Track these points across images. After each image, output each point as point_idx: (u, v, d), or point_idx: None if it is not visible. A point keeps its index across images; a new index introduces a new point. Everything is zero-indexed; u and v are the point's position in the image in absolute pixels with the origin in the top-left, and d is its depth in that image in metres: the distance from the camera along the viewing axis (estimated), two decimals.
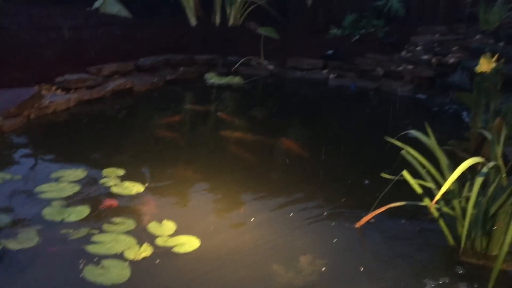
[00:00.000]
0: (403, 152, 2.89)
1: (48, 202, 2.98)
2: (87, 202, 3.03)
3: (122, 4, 7.81)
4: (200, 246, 2.63)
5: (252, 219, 2.97)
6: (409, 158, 2.87)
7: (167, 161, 3.80)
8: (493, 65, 3.56)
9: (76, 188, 3.19)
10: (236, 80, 6.41)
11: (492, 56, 3.59)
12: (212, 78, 6.40)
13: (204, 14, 7.86)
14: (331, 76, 6.70)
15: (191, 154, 4.05)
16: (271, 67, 6.94)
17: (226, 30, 7.63)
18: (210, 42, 7.21)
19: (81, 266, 2.39)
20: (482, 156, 2.95)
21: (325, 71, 6.80)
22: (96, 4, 7.77)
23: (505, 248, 2.43)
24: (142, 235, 2.70)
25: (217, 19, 7.80)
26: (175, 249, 2.60)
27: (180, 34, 7.24)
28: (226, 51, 7.07)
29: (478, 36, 6.57)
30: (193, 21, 7.74)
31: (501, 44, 6.06)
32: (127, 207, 3.02)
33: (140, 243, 2.61)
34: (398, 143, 2.83)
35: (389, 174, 2.81)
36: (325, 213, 3.08)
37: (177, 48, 6.81)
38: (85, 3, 7.98)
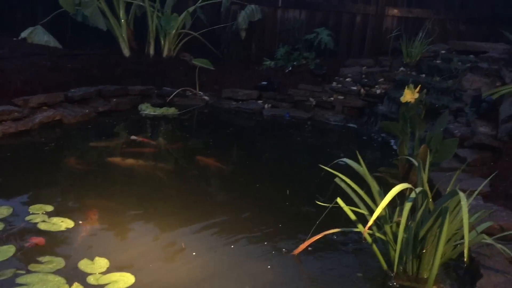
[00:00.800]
0: (336, 179, 2.97)
1: None
2: (12, 241, 2.84)
3: (51, 34, 7.61)
4: (135, 283, 2.54)
5: (188, 250, 2.92)
6: (342, 185, 2.95)
7: (97, 194, 3.66)
8: (417, 95, 3.79)
9: (0, 226, 2.99)
10: (171, 111, 6.37)
11: (415, 87, 3.82)
12: (147, 109, 6.31)
13: (137, 45, 7.80)
14: (266, 106, 6.82)
15: (123, 186, 3.94)
16: (206, 97, 6.97)
17: (161, 61, 7.61)
18: (144, 73, 7.14)
19: None
20: (410, 182, 3.10)
21: (260, 102, 6.92)
22: (23, 34, 7.52)
23: (435, 271, 2.54)
24: (72, 274, 2.56)
25: (151, 50, 7.76)
26: (108, 287, 2.49)
27: (113, 65, 7.11)
28: (160, 82, 7.03)
29: (401, 69, 6.97)
30: (126, 52, 7.65)
31: (423, 75, 6.47)
32: (55, 244, 2.87)
33: (70, 283, 2.48)
34: (332, 171, 2.90)
35: (325, 201, 2.87)
36: (264, 242, 3.08)
37: (110, 79, 6.68)
38: (10, 33, 7.71)
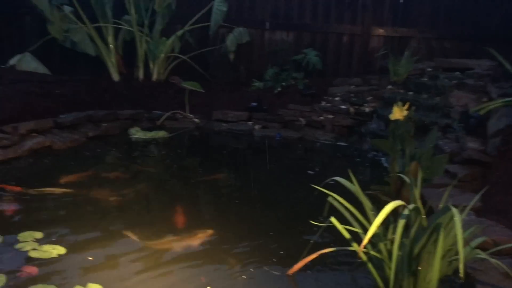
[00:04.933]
0: (329, 198, 2.98)
1: None
2: (2, 270, 2.79)
3: (39, 61, 7.61)
4: None
5: (182, 273, 2.89)
6: (335, 204, 2.95)
7: (88, 220, 3.63)
8: (405, 112, 3.82)
9: None
10: (161, 134, 6.36)
11: (404, 105, 3.86)
12: (137, 133, 6.31)
13: (126, 69, 7.83)
14: (256, 127, 6.84)
15: (115, 210, 3.90)
16: (197, 120, 6.98)
17: (150, 84, 7.64)
18: (134, 97, 7.16)
19: None
20: (402, 199, 3.10)
21: (250, 123, 6.95)
22: (12, 61, 7.53)
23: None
24: None
25: (140, 74, 7.79)
26: None
27: (102, 90, 7.13)
28: (150, 105, 7.04)
29: (389, 87, 7.06)
30: (115, 76, 7.67)
31: (411, 93, 6.55)
32: (48, 272, 2.82)
33: None
34: (325, 190, 2.91)
35: (319, 220, 2.86)
36: (255, 263, 3.06)
37: (100, 104, 6.68)
38: None
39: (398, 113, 3.82)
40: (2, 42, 8.51)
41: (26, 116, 5.62)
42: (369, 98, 6.99)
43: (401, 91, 6.81)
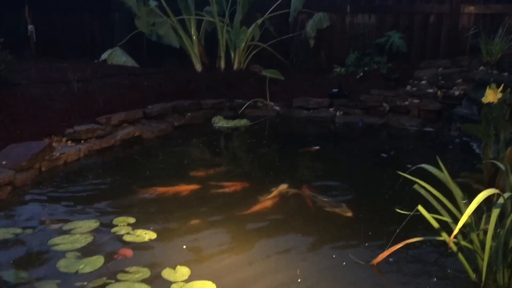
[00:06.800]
0: (415, 186, 2.87)
1: (62, 254, 2.97)
2: (100, 252, 3.01)
3: (128, 55, 8.02)
4: None
5: (265, 258, 2.94)
6: (422, 192, 2.84)
7: (177, 207, 3.78)
8: (500, 95, 3.57)
9: (89, 238, 3.17)
10: (242, 122, 6.47)
11: (498, 87, 3.61)
12: (219, 122, 6.46)
13: (209, 60, 8.03)
14: (338, 113, 6.74)
15: (203, 199, 4.04)
16: (277, 108, 7.01)
17: (231, 74, 7.77)
18: (216, 87, 7.33)
19: None
20: (497, 187, 2.92)
21: (331, 109, 6.86)
22: (103, 56, 7.99)
23: None
24: (156, 283, 2.67)
25: (222, 64, 7.95)
26: None
27: (186, 80, 7.37)
28: (232, 94, 7.17)
29: (481, 68, 6.63)
30: (198, 67, 7.90)
31: (505, 74, 6.10)
32: (140, 255, 2.99)
33: None
34: (411, 177, 2.81)
35: (402, 209, 2.77)
36: (338, 251, 3.04)
37: (184, 94, 6.92)
38: (92, 56, 8.23)
39: (491, 95, 3.58)
40: (94, 38, 9.09)
41: (117, 107, 5.97)
42: (459, 80, 6.61)
43: (495, 72, 6.37)
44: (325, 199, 3.83)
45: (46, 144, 4.70)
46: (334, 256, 3.00)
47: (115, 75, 7.08)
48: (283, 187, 4.08)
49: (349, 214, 3.58)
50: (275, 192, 3.99)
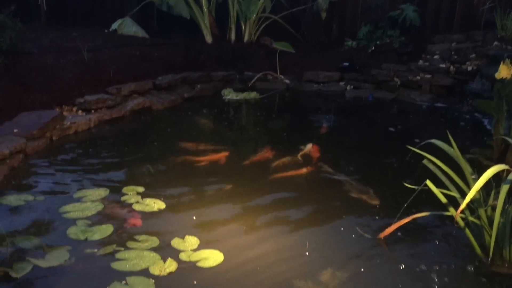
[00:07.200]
0: (425, 161, 2.87)
1: (72, 221, 3.01)
2: (110, 220, 3.05)
3: (138, 25, 7.97)
4: (224, 260, 2.63)
5: (272, 230, 2.97)
6: (431, 167, 2.84)
7: (185, 177, 3.81)
8: None
9: (99, 207, 3.21)
10: (252, 95, 6.45)
11: None
12: (229, 94, 6.44)
13: (219, 31, 7.96)
14: (348, 87, 6.69)
15: (210, 170, 4.06)
16: (287, 81, 6.97)
17: (242, 46, 7.71)
18: (226, 59, 7.28)
19: (107, 284, 2.40)
20: (506, 163, 2.91)
21: (341, 83, 6.81)
22: (114, 26, 7.95)
23: None
24: (166, 251, 2.71)
25: (232, 36, 7.88)
26: (200, 264, 2.60)
27: (196, 52, 7.33)
28: (242, 67, 7.13)
29: (496, 43, 6.51)
30: (208, 38, 7.84)
31: None
32: (150, 224, 3.04)
33: (164, 259, 2.62)
34: (420, 152, 2.80)
35: (410, 183, 2.77)
36: (346, 223, 3.06)
37: (194, 66, 6.89)
38: (102, 25, 8.18)
39: (505, 71, 3.53)
40: (105, 7, 9.02)
41: (127, 78, 5.97)
42: (472, 55, 6.51)
43: (509, 47, 6.25)
44: (353, 183, 3.72)
45: (57, 113, 4.73)
46: (342, 229, 3.02)
47: (125, 45, 7.05)
48: (309, 147, 4.31)
49: (376, 202, 3.36)
50: (304, 150, 4.25)
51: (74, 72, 5.78)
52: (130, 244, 2.77)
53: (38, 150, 4.21)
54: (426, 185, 2.65)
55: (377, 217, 3.15)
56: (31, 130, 4.25)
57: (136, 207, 3.23)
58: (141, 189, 3.49)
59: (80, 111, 5.14)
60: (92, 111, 5.17)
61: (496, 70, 3.62)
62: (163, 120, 5.47)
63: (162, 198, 3.35)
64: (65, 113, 4.96)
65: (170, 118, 5.54)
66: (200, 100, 6.30)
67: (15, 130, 4.21)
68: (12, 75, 5.31)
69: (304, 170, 3.94)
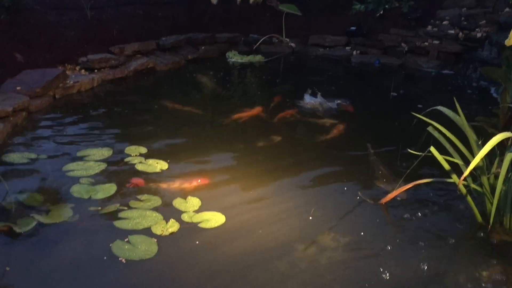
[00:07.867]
0: (429, 128, 2.85)
1: (75, 180, 3.03)
2: (113, 179, 3.07)
3: None
4: (225, 222, 2.65)
5: (275, 192, 2.99)
6: (435, 134, 2.82)
7: (189, 138, 3.82)
8: None
9: (102, 166, 3.23)
10: (257, 58, 6.37)
11: None
12: (234, 57, 6.36)
13: None
14: (354, 52, 6.59)
15: (213, 131, 4.06)
16: (293, 44, 6.87)
17: (247, 7, 7.53)
18: (231, 20, 7.16)
19: (109, 241, 2.43)
20: None
21: (348, 48, 6.71)
22: None
23: None
24: (168, 211, 2.73)
25: None
26: (201, 225, 2.63)
27: (201, 12, 7.20)
28: (247, 29, 7.01)
29: (507, 9, 6.37)
30: None
31: None
32: (152, 184, 3.05)
33: (167, 219, 2.65)
34: (425, 119, 2.78)
35: (415, 150, 2.76)
36: (346, 188, 3.07)
37: (199, 27, 6.78)
38: None
39: None
40: None
41: (130, 38, 5.89)
42: (482, 22, 6.37)
43: None
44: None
45: (60, 71, 4.70)
46: (343, 193, 3.03)
47: (129, 4, 6.92)
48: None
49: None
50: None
51: (76, 30, 5.70)
52: (132, 203, 2.79)
53: (41, 108, 4.21)
54: (430, 151, 2.64)
55: (379, 183, 3.16)
56: (34, 88, 4.23)
57: (139, 167, 3.25)
58: (144, 149, 3.50)
59: (83, 70, 5.09)
60: (95, 70, 5.12)
61: (506, 38, 3.53)
62: (167, 81, 5.43)
63: (164, 159, 3.35)
64: (68, 72, 4.92)
65: (173, 79, 5.50)
66: (204, 62, 6.23)
67: (18, 88, 4.19)
68: (14, 32, 5.24)
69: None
